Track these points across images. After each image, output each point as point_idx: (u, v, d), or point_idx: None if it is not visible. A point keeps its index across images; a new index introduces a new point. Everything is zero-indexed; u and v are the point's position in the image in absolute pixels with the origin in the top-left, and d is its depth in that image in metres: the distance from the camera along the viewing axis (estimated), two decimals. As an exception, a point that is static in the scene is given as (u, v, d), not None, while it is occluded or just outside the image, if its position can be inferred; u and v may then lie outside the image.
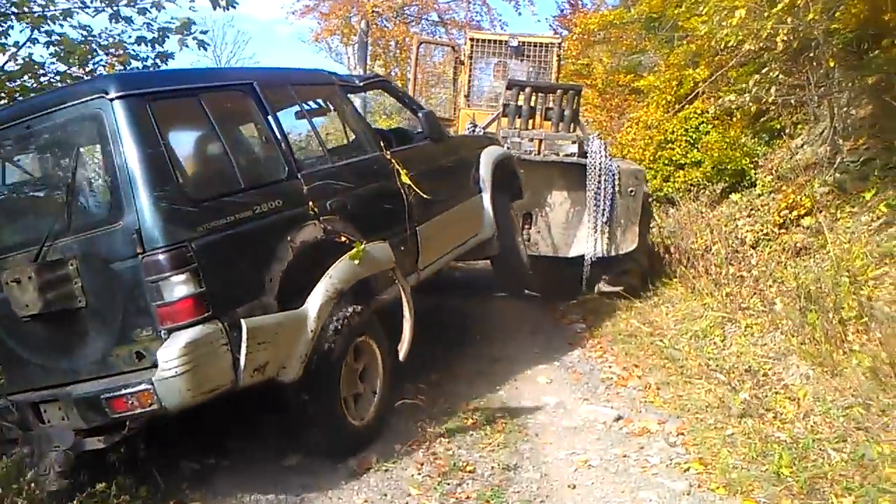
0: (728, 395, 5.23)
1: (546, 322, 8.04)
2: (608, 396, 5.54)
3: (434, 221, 5.68)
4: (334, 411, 4.31)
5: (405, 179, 5.26)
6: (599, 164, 7.90)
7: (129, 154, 3.70)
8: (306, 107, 5.25)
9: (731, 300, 7.21)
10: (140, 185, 3.68)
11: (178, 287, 3.64)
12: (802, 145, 8.74)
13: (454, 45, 11.52)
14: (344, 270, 4.43)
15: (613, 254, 8.04)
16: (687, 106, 10.67)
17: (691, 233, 9.14)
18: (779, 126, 9.21)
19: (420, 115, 6.13)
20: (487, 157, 6.84)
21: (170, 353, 3.56)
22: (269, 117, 4.55)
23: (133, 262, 3.68)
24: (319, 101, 5.51)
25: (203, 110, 4.17)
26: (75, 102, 3.87)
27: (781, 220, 7.56)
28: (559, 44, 10.93)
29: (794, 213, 7.38)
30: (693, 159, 10.38)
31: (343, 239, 4.49)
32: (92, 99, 3.80)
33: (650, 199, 9.12)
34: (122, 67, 7.13)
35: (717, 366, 5.94)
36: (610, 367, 6.25)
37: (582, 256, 8.16)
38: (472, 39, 10.45)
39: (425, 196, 5.44)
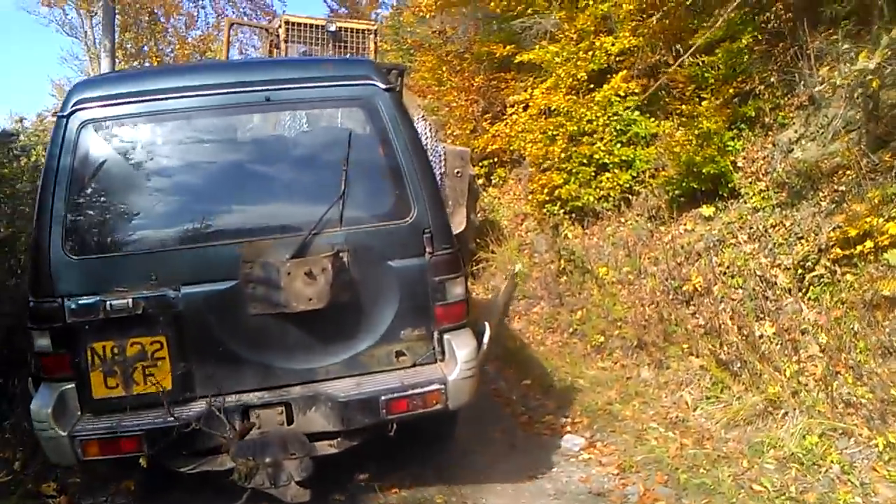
0: None
1: (518, 434, 5.11)
2: None
3: None
4: None
5: None
6: (426, 145, 7.40)
7: (412, 150, 3.80)
8: None
9: (805, 387, 4.74)
10: (425, 184, 3.80)
11: (458, 289, 3.84)
12: (798, 139, 6.47)
13: (268, 28, 10.95)
14: None
15: None
16: (605, 87, 8.10)
17: (659, 264, 6.64)
18: (753, 113, 6.89)
19: None
20: None
21: (468, 354, 3.75)
22: None
23: (418, 261, 3.78)
24: None
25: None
26: (336, 84, 3.84)
27: (844, 253, 5.17)
28: (375, 30, 10.57)
29: (869, 243, 5.00)
30: (622, 157, 7.88)
31: None
32: (360, 85, 3.82)
33: (475, 181, 9.18)
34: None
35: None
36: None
37: None
38: (286, 23, 9.85)
39: None
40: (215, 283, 3.66)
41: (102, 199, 3.69)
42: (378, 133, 3.78)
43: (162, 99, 3.73)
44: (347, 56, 9.68)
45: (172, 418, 3.51)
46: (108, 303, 3.56)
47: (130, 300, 3.57)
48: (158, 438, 3.55)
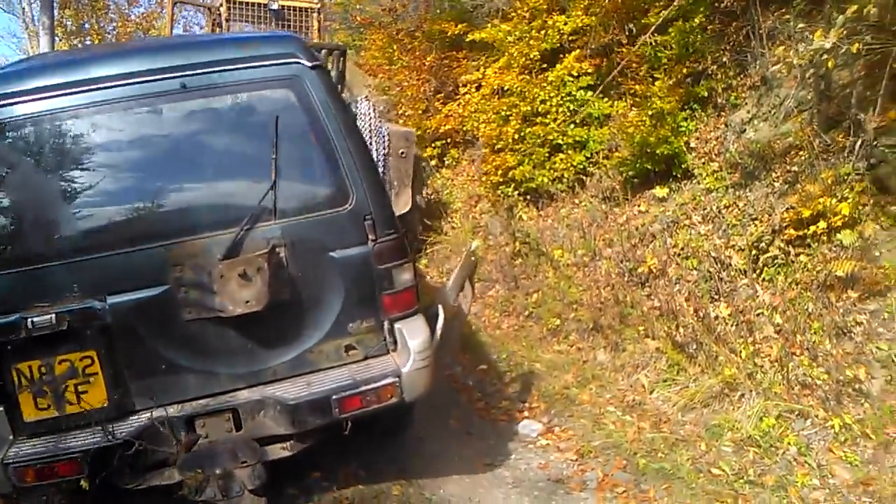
0: None
1: (475, 421, 5.02)
2: None
3: None
4: None
5: None
6: (369, 125, 7.80)
7: (346, 132, 3.57)
8: None
9: (761, 368, 4.74)
10: (364, 167, 3.59)
11: (406, 276, 3.65)
12: (751, 120, 6.47)
13: (210, 7, 10.78)
14: None
15: None
16: (559, 65, 8.01)
17: (613, 246, 6.61)
18: (706, 93, 6.86)
19: None
20: None
21: (421, 343, 3.57)
22: None
23: (361, 250, 3.58)
24: None
25: None
26: (259, 64, 3.53)
27: (798, 234, 5.17)
28: (319, 8, 10.29)
29: (822, 224, 5.01)
30: (575, 138, 7.80)
31: None
32: (284, 63, 3.54)
33: (421, 162, 9.21)
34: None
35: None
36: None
37: None
38: (228, 1, 9.65)
39: None
40: (144, 289, 3.44)
41: (11, 209, 3.40)
42: (308, 115, 3.52)
43: (67, 94, 3.39)
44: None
45: (107, 438, 3.31)
46: (28, 320, 3.31)
47: (53, 315, 3.33)
48: (99, 459, 3.33)
